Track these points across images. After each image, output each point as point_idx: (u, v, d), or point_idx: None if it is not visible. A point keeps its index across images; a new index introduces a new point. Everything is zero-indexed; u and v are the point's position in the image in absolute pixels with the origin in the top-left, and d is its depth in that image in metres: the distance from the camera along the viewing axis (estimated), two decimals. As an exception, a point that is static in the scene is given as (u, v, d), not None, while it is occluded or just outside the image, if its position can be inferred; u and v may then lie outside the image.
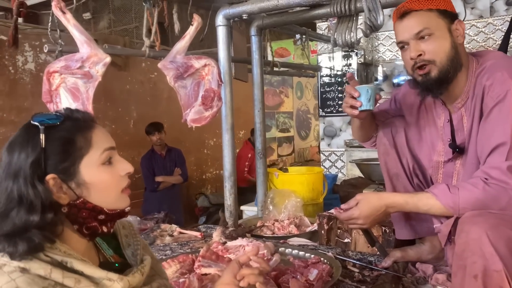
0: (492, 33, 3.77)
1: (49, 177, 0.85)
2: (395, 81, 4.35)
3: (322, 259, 1.77)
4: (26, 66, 4.20)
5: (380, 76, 4.43)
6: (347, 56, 4.40)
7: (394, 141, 1.79)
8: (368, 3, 2.01)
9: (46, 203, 0.84)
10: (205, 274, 1.68)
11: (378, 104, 1.90)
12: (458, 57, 1.49)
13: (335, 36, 2.39)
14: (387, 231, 2.04)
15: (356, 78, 4.29)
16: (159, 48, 2.79)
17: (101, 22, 6.36)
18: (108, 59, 1.75)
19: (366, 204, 1.51)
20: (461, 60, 1.50)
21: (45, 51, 1.92)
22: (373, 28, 2.04)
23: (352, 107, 1.61)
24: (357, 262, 1.88)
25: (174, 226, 2.38)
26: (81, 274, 0.85)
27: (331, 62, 4.42)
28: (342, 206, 1.57)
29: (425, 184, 1.78)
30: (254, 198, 3.17)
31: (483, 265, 1.19)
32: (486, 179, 1.36)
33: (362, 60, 4.35)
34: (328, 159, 4.61)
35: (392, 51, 4.32)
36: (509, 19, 3.67)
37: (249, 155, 5.41)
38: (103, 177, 0.91)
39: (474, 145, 1.52)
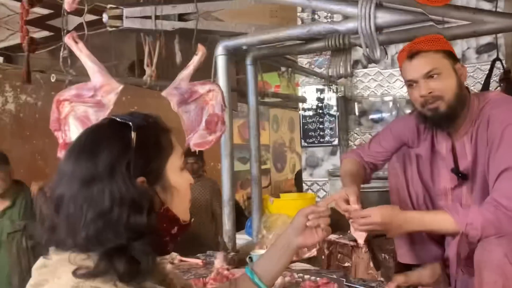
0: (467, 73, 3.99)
1: (140, 180, 0.77)
2: (372, 117, 4.53)
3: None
4: (6, 107, 4.11)
5: (357, 112, 4.59)
6: (323, 90, 4.54)
7: (405, 170, 1.87)
8: (366, 40, 2.13)
9: (151, 203, 0.76)
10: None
11: (367, 146, 1.99)
12: (464, 94, 1.61)
13: (329, 69, 2.51)
14: (387, 257, 2.10)
15: (336, 111, 4.46)
16: (155, 78, 2.84)
17: (79, 61, 6.30)
18: (120, 88, 1.78)
19: (387, 213, 1.51)
20: (466, 97, 1.62)
21: (53, 80, 1.92)
22: (371, 61, 2.16)
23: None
24: (362, 287, 1.92)
25: (174, 254, 2.36)
26: None
27: (315, 94, 4.55)
28: (358, 213, 1.55)
29: None
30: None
31: (504, 284, 1.26)
32: (496, 206, 1.43)
33: (342, 94, 4.52)
34: (311, 189, 4.68)
35: (370, 88, 4.51)
36: (479, 67, 3.93)
37: None
38: (182, 182, 0.85)
39: (480, 171, 1.61)
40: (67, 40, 1.75)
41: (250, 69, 2.85)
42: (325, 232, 1.16)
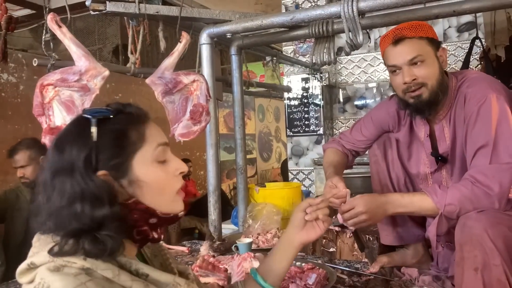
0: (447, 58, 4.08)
1: (100, 174, 0.78)
2: (357, 103, 4.58)
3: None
4: None
5: (341, 99, 4.64)
6: (308, 80, 4.57)
7: (386, 155, 1.90)
8: (349, 24, 2.15)
9: (111, 195, 0.77)
10: (204, 283, 1.69)
11: (348, 133, 2.01)
12: (445, 80, 1.63)
13: (313, 56, 2.52)
14: (371, 238, 2.14)
15: (321, 99, 4.50)
16: (139, 65, 2.82)
17: (62, 44, 6.24)
18: (107, 72, 1.76)
19: (369, 200, 1.53)
20: (447, 83, 1.64)
21: (35, 64, 1.90)
22: (354, 47, 2.18)
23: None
24: (346, 269, 1.95)
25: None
26: (145, 278, 0.79)
27: (300, 83, 4.58)
28: (343, 206, 1.57)
29: None
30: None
31: (483, 259, 1.30)
32: (473, 182, 1.47)
33: (326, 82, 4.55)
34: (296, 178, 4.72)
35: (354, 74, 4.55)
36: (460, 45, 4.01)
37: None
38: (157, 175, 0.84)
39: (459, 152, 1.65)
40: (50, 23, 1.73)
41: (234, 59, 2.85)
42: (326, 223, 1.18)
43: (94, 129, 0.79)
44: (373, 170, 1.95)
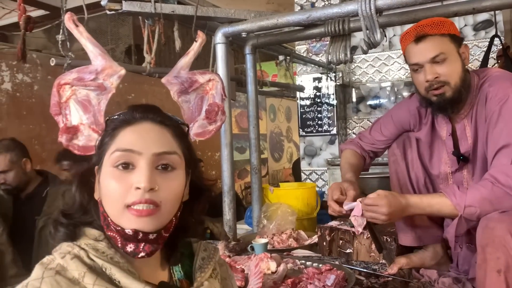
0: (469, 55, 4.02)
1: (96, 168, 0.86)
2: (370, 103, 4.53)
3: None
4: (2, 86, 4.09)
5: (354, 98, 4.60)
6: (321, 79, 4.55)
7: (405, 154, 1.87)
8: (366, 22, 2.12)
9: (86, 188, 0.86)
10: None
11: (368, 132, 2.01)
12: (468, 78, 1.61)
13: (329, 55, 2.50)
14: (389, 240, 2.11)
15: (334, 99, 4.47)
16: (154, 65, 2.82)
17: (75, 43, 6.28)
18: (123, 71, 1.74)
19: (391, 198, 1.52)
20: (469, 81, 1.62)
21: (52, 64, 1.91)
22: (371, 45, 2.15)
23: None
24: (364, 270, 1.93)
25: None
26: (117, 284, 0.76)
27: (312, 83, 4.56)
28: (366, 200, 1.57)
29: None
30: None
31: (506, 260, 1.27)
32: (493, 182, 1.44)
33: (340, 81, 4.52)
34: (309, 178, 4.69)
35: (368, 74, 4.51)
36: (477, 44, 3.96)
37: None
38: (107, 182, 0.79)
39: (481, 152, 1.62)
40: (67, 23, 1.72)
41: (249, 58, 2.83)
42: None
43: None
44: (392, 170, 1.93)
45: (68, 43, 1.90)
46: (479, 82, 1.63)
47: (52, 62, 1.91)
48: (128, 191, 0.77)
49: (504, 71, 1.71)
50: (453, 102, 1.59)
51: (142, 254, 0.78)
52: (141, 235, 0.77)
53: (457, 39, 1.60)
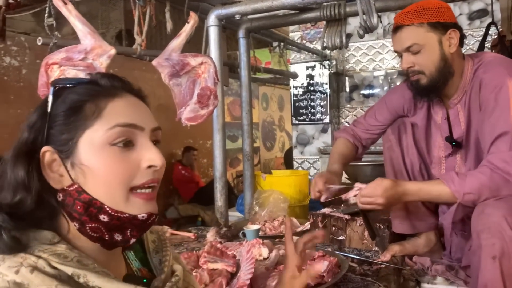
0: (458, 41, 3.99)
1: (44, 150, 0.67)
2: (363, 92, 4.51)
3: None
4: None
5: (347, 87, 4.57)
6: (314, 67, 4.51)
7: (400, 140, 1.86)
8: (363, 6, 2.09)
9: (24, 180, 0.66)
10: (213, 269, 1.65)
11: (362, 118, 2.00)
12: (448, 66, 1.59)
13: (324, 40, 2.46)
14: (382, 227, 2.09)
15: (327, 88, 4.44)
16: (145, 47, 2.76)
17: (65, 27, 6.17)
18: (113, 51, 1.70)
19: (389, 189, 1.51)
20: (452, 68, 1.60)
21: (39, 43, 1.85)
22: (367, 29, 2.12)
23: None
24: (357, 257, 1.91)
25: (165, 227, 2.32)
26: None
27: (306, 71, 4.52)
28: (364, 189, 1.57)
29: None
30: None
31: (502, 247, 1.26)
32: (492, 168, 1.42)
33: (334, 69, 4.48)
34: (301, 167, 4.67)
35: (362, 62, 4.47)
36: (471, 33, 3.93)
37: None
38: (104, 162, 0.67)
39: (474, 138, 1.60)
40: (55, 1, 1.67)
41: (242, 43, 2.79)
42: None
43: (50, 98, 0.69)
44: (386, 156, 1.91)
45: (55, 24, 1.84)
46: (473, 67, 1.61)
47: (39, 41, 1.85)
48: (133, 170, 0.68)
49: (498, 55, 1.69)
50: (429, 90, 1.60)
51: (133, 240, 0.71)
52: (153, 217, 0.71)
53: (441, 26, 1.57)
